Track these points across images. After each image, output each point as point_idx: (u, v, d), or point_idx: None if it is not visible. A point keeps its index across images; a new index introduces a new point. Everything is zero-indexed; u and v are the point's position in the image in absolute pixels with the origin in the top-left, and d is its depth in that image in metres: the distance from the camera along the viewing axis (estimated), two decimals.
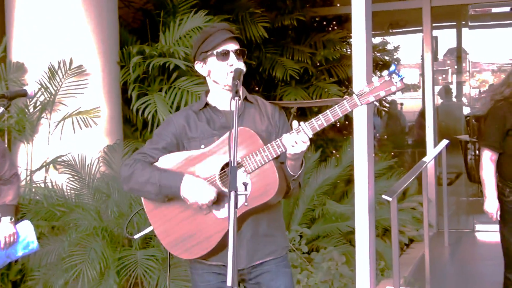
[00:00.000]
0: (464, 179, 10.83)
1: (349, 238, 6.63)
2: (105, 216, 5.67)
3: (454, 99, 12.05)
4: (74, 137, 6.03)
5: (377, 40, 12.57)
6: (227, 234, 2.88)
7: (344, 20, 9.99)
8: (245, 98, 3.25)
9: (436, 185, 8.65)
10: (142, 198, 3.21)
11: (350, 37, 8.71)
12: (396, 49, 13.29)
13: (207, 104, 3.25)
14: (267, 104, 3.28)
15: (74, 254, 5.20)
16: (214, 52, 3.15)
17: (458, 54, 12.34)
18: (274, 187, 2.96)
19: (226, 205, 3.02)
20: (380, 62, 11.35)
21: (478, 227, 8.68)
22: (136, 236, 3.38)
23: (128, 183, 3.17)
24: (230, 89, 3.11)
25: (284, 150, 2.94)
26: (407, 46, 13.10)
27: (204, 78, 3.30)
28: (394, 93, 2.86)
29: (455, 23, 12.07)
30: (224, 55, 3.14)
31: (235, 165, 2.72)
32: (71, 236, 5.31)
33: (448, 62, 13.52)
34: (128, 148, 6.21)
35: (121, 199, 5.58)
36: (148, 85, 6.73)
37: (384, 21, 11.80)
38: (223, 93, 3.19)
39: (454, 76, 13.22)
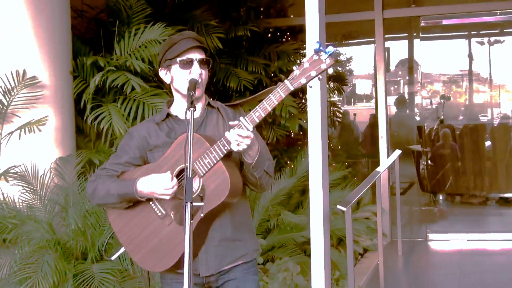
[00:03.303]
0: (416, 188, 10.98)
1: (304, 248, 6.66)
2: (57, 228, 5.60)
3: (407, 110, 12.23)
4: (26, 148, 5.94)
5: None
6: (194, 241, 2.93)
7: (298, 31, 10.05)
8: (208, 104, 3.27)
9: (389, 195, 8.73)
10: (109, 219, 3.24)
11: (304, 48, 8.76)
12: (349, 60, 13.42)
13: (168, 115, 3.24)
14: (227, 108, 3.31)
15: (26, 267, 5.12)
16: (178, 60, 3.14)
17: (409, 65, 12.51)
18: (226, 185, 2.97)
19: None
20: (333, 73, 11.44)
21: (431, 236, 8.79)
22: (113, 258, 3.37)
23: (92, 199, 3.23)
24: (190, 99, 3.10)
25: (229, 148, 2.94)
26: (360, 57, 13.24)
27: (167, 86, 3.29)
28: (324, 70, 2.85)
29: (406, 35, 12.24)
30: (188, 63, 3.14)
31: (190, 175, 2.72)
32: (23, 249, 5.23)
33: (400, 73, 13.69)
34: (80, 159, 6.15)
35: (75, 211, 5.52)
36: (102, 96, 6.67)
37: (337, 32, 11.91)
38: (185, 102, 3.17)
39: (406, 86, 13.40)
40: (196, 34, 3.25)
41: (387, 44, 9.67)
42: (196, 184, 3.02)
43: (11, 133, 5.91)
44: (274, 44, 9.28)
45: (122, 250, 3.32)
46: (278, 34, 10.20)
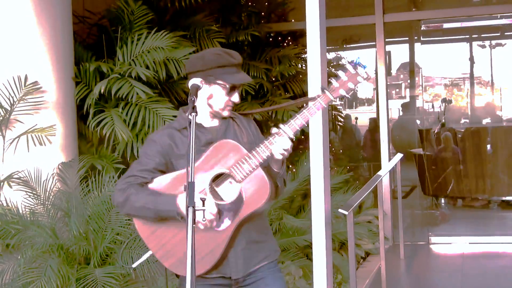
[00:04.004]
0: (418, 192, 10.98)
1: (306, 252, 6.67)
2: (60, 233, 5.61)
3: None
4: (29, 154, 5.96)
5: (331, 55, 12.69)
6: (227, 245, 3.10)
7: (299, 36, 10.08)
8: None
9: (391, 199, 8.74)
10: (135, 225, 3.22)
11: (305, 53, 8.78)
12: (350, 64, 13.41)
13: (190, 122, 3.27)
14: (240, 116, 3.37)
15: (29, 271, 5.14)
16: (227, 86, 3.18)
17: (411, 68, 12.53)
18: (266, 191, 3.06)
19: (223, 217, 3.10)
20: (335, 78, 11.44)
21: (432, 239, 8.79)
22: (134, 265, 3.39)
23: (123, 208, 3.20)
24: (216, 114, 3.24)
25: (269, 154, 3.02)
26: (361, 61, 13.24)
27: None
28: (360, 83, 2.96)
29: (407, 38, 12.25)
30: (232, 90, 3.21)
31: (193, 180, 2.74)
32: (26, 254, 5.25)
33: (401, 76, 13.70)
34: (83, 164, 6.17)
35: (78, 216, 5.54)
36: (105, 101, 6.70)
37: (338, 37, 11.93)
38: (209, 114, 3.27)
39: (407, 90, 13.40)
40: (240, 58, 3.27)
41: (388, 48, 9.66)
42: (234, 189, 3.09)
43: (18, 137, 5.92)
44: (275, 49, 9.29)
45: (146, 256, 3.34)
46: (279, 38, 10.21)
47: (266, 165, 3.16)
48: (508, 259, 7.86)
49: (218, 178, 3.13)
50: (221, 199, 3.11)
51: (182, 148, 3.22)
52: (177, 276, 3.34)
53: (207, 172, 3.10)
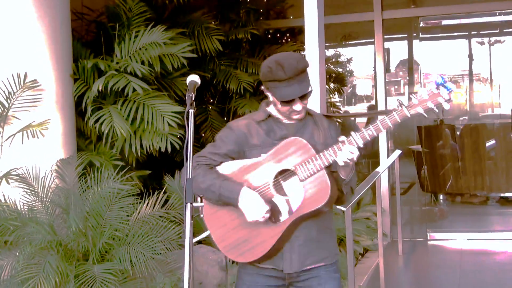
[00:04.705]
0: (417, 188, 10.99)
1: None
2: (59, 230, 5.62)
3: None
4: (27, 151, 5.97)
5: (330, 52, 12.71)
6: (280, 239, 3.14)
7: (298, 33, 10.08)
8: (307, 111, 3.32)
9: (389, 195, 8.75)
10: (203, 203, 3.27)
11: (304, 49, 8.79)
12: (349, 61, 13.45)
13: (270, 116, 3.29)
14: (322, 117, 3.35)
15: (28, 268, 5.14)
16: (279, 101, 3.17)
17: (409, 65, 12.54)
18: (326, 193, 3.07)
19: (281, 211, 3.13)
20: (333, 74, 11.46)
21: (431, 235, 8.79)
22: (195, 239, 3.40)
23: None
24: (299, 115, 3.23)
25: (335, 159, 3.04)
26: (360, 58, 13.26)
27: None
28: (441, 105, 2.91)
29: (406, 35, 12.26)
30: (289, 102, 3.18)
31: (190, 176, 2.75)
32: (24, 250, 5.25)
33: (400, 73, 13.72)
34: (81, 161, 6.18)
35: (76, 213, 5.54)
36: (103, 98, 6.70)
37: (336, 34, 11.94)
38: (281, 112, 3.28)
39: (406, 87, 13.41)
40: (297, 65, 3.15)
41: (387, 44, 9.69)
42: (297, 187, 3.12)
43: (13, 135, 5.94)
44: (273, 46, 9.30)
45: (204, 234, 3.38)
46: (278, 35, 10.22)
47: (335, 170, 3.18)
48: (507, 256, 7.87)
49: (284, 173, 3.16)
50: (284, 194, 3.14)
51: (256, 139, 3.25)
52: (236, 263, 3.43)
53: (273, 165, 3.15)
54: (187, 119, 2.88)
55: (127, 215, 5.66)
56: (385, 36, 9.10)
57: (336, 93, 11.56)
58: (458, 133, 11.28)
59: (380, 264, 6.23)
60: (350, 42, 12.55)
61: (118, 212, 5.58)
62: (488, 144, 11.08)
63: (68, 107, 6.34)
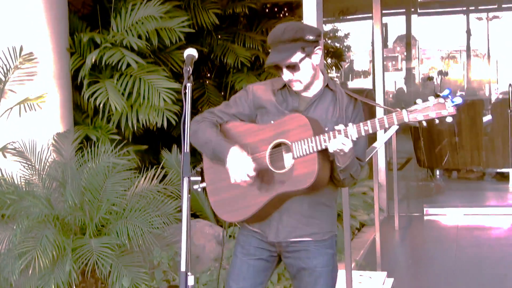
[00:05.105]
0: (413, 164, 11.01)
1: None
2: (56, 204, 5.62)
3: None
4: (24, 124, 5.96)
5: (327, 27, 12.66)
6: (263, 209, 3.15)
7: (295, 7, 10.03)
8: (327, 85, 3.27)
9: (386, 170, 8.76)
10: (202, 155, 3.34)
11: None
12: (346, 36, 13.41)
13: (285, 85, 3.28)
14: (344, 95, 3.28)
15: (25, 241, 5.16)
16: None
17: (407, 40, 12.51)
18: (311, 177, 3.03)
19: (269, 182, 3.14)
20: (331, 49, 11.42)
21: (427, 211, 8.83)
22: (195, 186, 3.41)
23: (190, 139, 3.20)
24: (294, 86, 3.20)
25: (327, 145, 2.99)
26: (357, 33, 13.22)
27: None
28: (444, 117, 2.86)
29: (404, 10, 12.21)
30: (278, 69, 3.18)
31: (187, 151, 2.75)
32: (22, 224, 5.26)
33: (398, 49, 13.70)
34: (78, 135, 6.17)
35: (73, 187, 5.54)
36: (99, 72, 6.67)
37: (334, 8, 11.88)
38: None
39: (404, 62, 13.39)
40: (281, 35, 3.12)
41: (385, 19, 9.65)
42: (288, 163, 3.12)
43: (11, 109, 5.93)
44: (271, 20, 9.24)
45: (204, 184, 3.39)
46: (276, 9, 10.17)
47: (332, 156, 3.14)
48: (502, 231, 7.91)
49: (280, 146, 3.16)
50: (278, 167, 3.14)
51: (270, 106, 3.24)
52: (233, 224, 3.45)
53: (275, 136, 3.15)
54: (185, 93, 2.86)
55: (125, 190, 5.66)
56: (383, 11, 9.06)
57: (333, 68, 11.53)
58: None
59: (376, 239, 6.24)
60: (348, 17, 12.50)
61: (115, 186, 5.58)
62: (485, 120, 11.09)
63: (64, 80, 6.32)
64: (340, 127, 2.96)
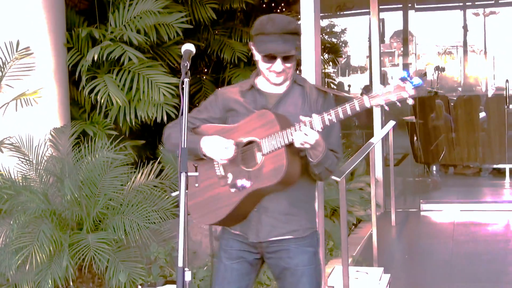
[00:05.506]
0: (410, 159, 11.02)
1: None
2: (53, 199, 5.62)
3: None
4: (21, 119, 5.95)
5: (324, 23, 12.65)
6: (238, 207, 3.13)
7: (292, 2, 10.01)
8: (294, 81, 3.28)
9: (383, 166, 8.77)
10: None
11: (299, 19, 8.74)
12: (343, 31, 13.40)
13: (253, 86, 3.29)
14: (313, 89, 3.29)
15: (22, 236, 5.16)
16: (261, 55, 3.17)
17: (404, 36, 12.51)
18: (280, 172, 3.02)
19: (240, 180, 3.14)
20: (328, 45, 11.42)
21: (424, 206, 8.83)
22: (173, 194, 3.40)
23: (165, 145, 3.37)
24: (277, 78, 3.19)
25: (293, 138, 2.98)
26: (354, 28, 13.21)
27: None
28: (405, 99, 2.86)
29: (401, 6, 12.20)
30: (273, 58, 3.15)
31: (185, 146, 2.75)
32: (19, 219, 5.26)
33: (395, 44, 13.70)
34: (75, 130, 6.17)
35: (70, 181, 5.54)
36: (97, 67, 6.67)
37: (331, 3, 11.87)
38: (266, 80, 3.25)
39: (401, 58, 13.40)
40: (287, 25, 3.14)
41: (382, 15, 9.62)
42: (258, 159, 3.11)
43: (7, 104, 5.92)
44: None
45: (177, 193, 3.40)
46: (273, 5, 10.15)
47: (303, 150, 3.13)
48: (499, 226, 7.92)
49: (250, 144, 3.15)
50: (249, 165, 3.13)
51: (239, 108, 3.25)
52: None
53: (244, 135, 3.15)
54: (182, 88, 2.86)
55: (121, 185, 5.66)
56: (380, 6, 9.04)
57: (330, 63, 11.53)
58: (451, 104, 11.28)
59: (373, 234, 6.25)
60: (345, 12, 12.49)
61: (112, 181, 5.59)
62: (481, 115, 11.10)
63: (62, 75, 6.31)
64: (305, 118, 2.95)
